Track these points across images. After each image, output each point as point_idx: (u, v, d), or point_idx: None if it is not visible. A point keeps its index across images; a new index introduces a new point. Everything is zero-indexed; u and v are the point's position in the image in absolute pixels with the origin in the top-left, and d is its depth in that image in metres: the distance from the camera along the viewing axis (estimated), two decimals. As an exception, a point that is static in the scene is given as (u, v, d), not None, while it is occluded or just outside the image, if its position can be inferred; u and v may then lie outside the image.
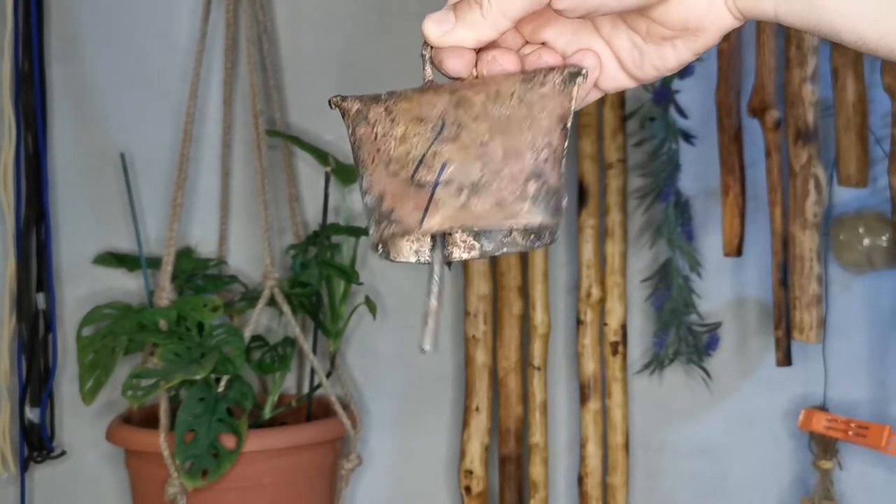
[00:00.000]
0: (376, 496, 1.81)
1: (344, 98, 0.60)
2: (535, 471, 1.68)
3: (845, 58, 1.53)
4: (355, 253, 1.71)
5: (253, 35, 1.74)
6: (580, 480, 1.69)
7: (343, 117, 0.60)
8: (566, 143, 0.57)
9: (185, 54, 1.78)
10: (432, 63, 0.59)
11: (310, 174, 1.80)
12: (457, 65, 0.58)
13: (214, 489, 1.48)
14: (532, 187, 0.55)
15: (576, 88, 0.57)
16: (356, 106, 0.59)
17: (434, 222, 0.55)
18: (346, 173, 1.72)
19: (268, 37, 1.78)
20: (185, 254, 1.73)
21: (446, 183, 0.56)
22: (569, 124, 0.57)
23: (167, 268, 1.59)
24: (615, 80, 0.61)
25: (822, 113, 1.55)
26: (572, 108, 0.57)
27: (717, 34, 0.58)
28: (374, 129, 0.58)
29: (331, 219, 1.72)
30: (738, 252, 1.59)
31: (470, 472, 1.70)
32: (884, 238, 1.56)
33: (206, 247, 1.80)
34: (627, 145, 1.70)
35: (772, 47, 1.57)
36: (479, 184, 0.55)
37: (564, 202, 0.56)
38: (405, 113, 0.58)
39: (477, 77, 0.58)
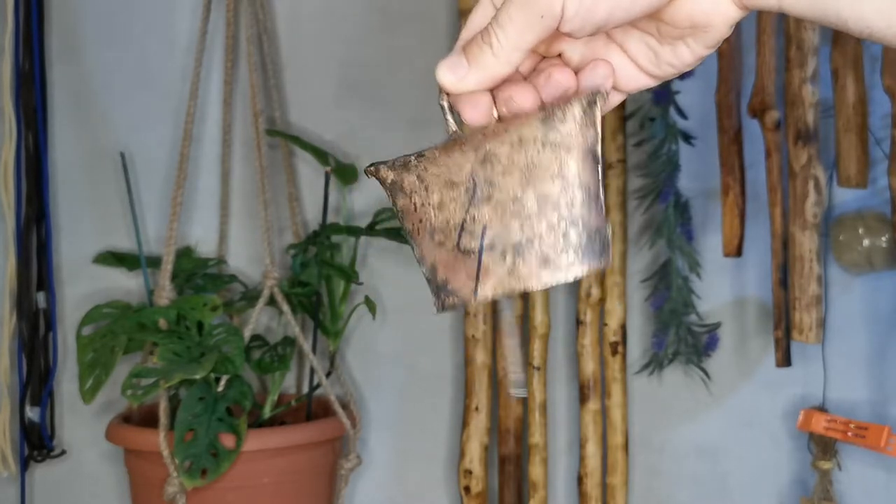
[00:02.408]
0: (376, 496, 1.81)
1: (377, 169, 0.59)
2: (535, 471, 1.68)
3: (845, 58, 1.53)
4: (355, 253, 1.71)
5: (253, 34, 1.74)
6: (580, 480, 1.69)
7: (381, 185, 0.60)
8: (600, 171, 0.56)
9: (185, 53, 1.78)
10: (452, 111, 0.58)
11: (310, 174, 1.80)
12: (475, 115, 0.57)
13: (214, 488, 1.48)
14: (573, 236, 0.55)
15: (598, 112, 0.56)
16: (390, 176, 0.59)
17: (487, 291, 0.56)
18: (346, 173, 1.72)
19: (268, 36, 1.78)
20: (184, 253, 1.73)
21: (490, 248, 0.56)
22: (598, 152, 0.56)
23: (167, 267, 1.59)
24: (636, 80, 0.61)
25: (822, 114, 1.55)
26: (599, 135, 0.56)
27: (726, 27, 0.58)
28: (412, 201, 0.58)
29: (331, 218, 1.72)
30: (738, 252, 1.59)
31: (469, 472, 1.70)
32: (883, 239, 1.56)
33: (205, 246, 1.80)
34: (627, 145, 1.70)
35: (772, 48, 1.57)
36: (521, 244, 0.56)
37: (609, 234, 0.56)
38: (436, 179, 0.57)
39: (499, 119, 0.58)
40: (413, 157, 0.58)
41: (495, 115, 0.58)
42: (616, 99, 0.62)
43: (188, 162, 1.66)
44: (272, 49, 1.80)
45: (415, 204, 0.58)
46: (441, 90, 0.58)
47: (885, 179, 1.54)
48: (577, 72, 0.59)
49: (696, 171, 1.68)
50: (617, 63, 0.60)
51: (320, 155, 1.71)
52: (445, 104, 0.58)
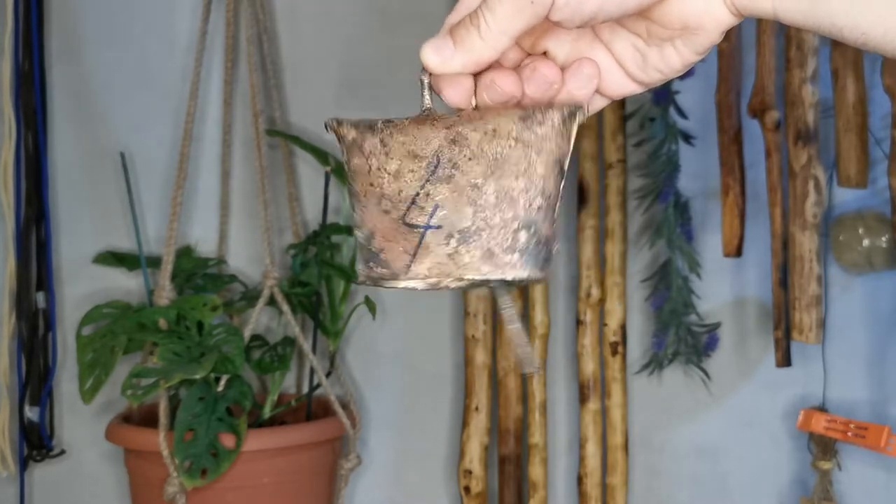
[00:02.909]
0: (376, 496, 1.81)
1: (340, 122, 0.58)
2: (535, 471, 1.68)
3: (845, 59, 1.53)
4: (355, 252, 1.71)
5: (253, 34, 1.74)
6: (579, 480, 1.69)
7: (339, 142, 0.58)
8: (562, 187, 0.56)
9: (185, 53, 1.78)
10: (431, 89, 0.57)
11: (310, 174, 1.80)
12: (455, 95, 0.56)
13: (213, 488, 1.48)
14: (523, 237, 0.55)
15: (575, 127, 0.56)
16: (352, 134, 0.57)
17: (421, 269, 0.55)
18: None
19: (268, 36, 1.78)
20: (184, 253, 1.73)
21: (436, 228, 0.55)
22: (566, 166, 0.56)
23: (167, 267, 1.59)
24: (621, 85, 0.60)
25: (822, 114, 1.55)
26: (570, 149, 0.56)
27: (717, 32, 0.57)
28: (369, 162, 0.56)
29: (331, 218, 1.72)
30: (738, 252, 1.59)
31: (469, 472, 1.70)
32: (883, 239, 1.56)
33: (205, 246, 1.80)
34: (627, 145, 1.70)
35: (772, 48, 1.57)
36: (469, 231, 0.54)
37: (555, 250, 0.56)
38: (400, 146, 0.56)
39: (476, 107, 0.57)
40: (380, 122, 0.57)
41: (474, 103, 0.57)
42: (599, 104, 0.61)
43: (188, 162, 1.66)
44: (272, 49, 1.80)
45: (370, 166, 0.56)
46: (423, 68, 0.57)
47: (885, 179, 1.54)
48: (562, 70, 0.58)
49: (696, 171, 1.68)
50: (603, 65, 0.59)
51: (320, 155, 1.71)
52: (426, 80, 0.57)
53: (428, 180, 0.55)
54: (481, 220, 0.54)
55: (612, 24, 0.58)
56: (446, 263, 0.54)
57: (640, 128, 1.70)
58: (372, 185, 0.56)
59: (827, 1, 0.52)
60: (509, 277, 0.54)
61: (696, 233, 1.67)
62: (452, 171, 0.55)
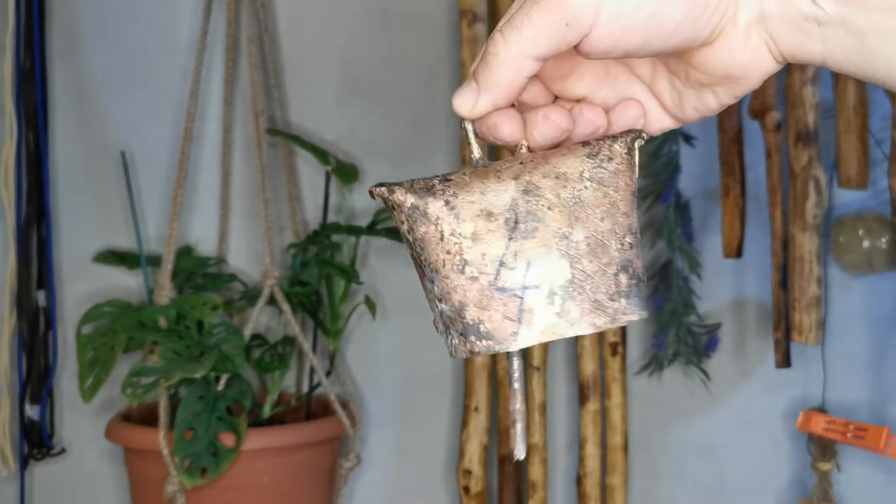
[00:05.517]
0: (375, 495, 1.81)
1: (391, 189, 0.53)
2: (534, 471, 1.69)
3: (846, 60, 1.53)
4: (355, 252, 1.71)
5: (254, 34, 1.74)
6: (579, 481, 1.69)
7: (391, 209, 0.53)
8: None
9: (185, 52, 1.78)
10: (476, 136, 0.54)
11: (310, 173, 1.80)
12: (512, 131, 0.54)
13: (213, 488, 1.48)
14: (624, 280, 0.52)
15: (637, 154, 0.54)
16: (410, 200, 0.52)
17: (532, 336, 0.51)
18: (346, 172, 1.72)
19: (269, 35, 1.78)
20: (185, 252, 1.73)
21: (535, 287, 0.51)
22: (636, 193, 0.54)
23: (167, 266, 1.59)
24: (660, 121, 0.58)
25: (822, 115, 1.55)
26: (637, 176, 0.54)
27: (759, 79, 0.55)
28: (439, 229, 0.52)
29: (331, 218, 1.72)
30: (738, 253, 1.60)
31: (469, 472, 1.70)
32: (883, 240, 1.56)
33: (205, 245, 1.80)
34: (628, 146, 1.70)
35: (772, 49, 1.57)
36: (571, 285, 0.51)
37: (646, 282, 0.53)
38: (469, 206, 0.52)
39: (531, 150, 0.54)
40: (437, 181, 0.52)
41: (524, 144, 0.54)
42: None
43: (188, 161, 1.66)
44: (273, 48, 1.80)
45: (442, 232, 0.52)
46: (461, 118, 0.55)
47: (886, 181, 1.54)
48: (605, 110, 0.56)
49: (697, 171, 1.68)
50: (644, 103, 0.57)
51: (320, 154, 1.71)
52: (469, 127, 0.54)
53: (511, 237, 0.51)
54: (580, 272, 0.51)
55: (652, 61, 0.57)
56: (557, 323, 0.51)
57: (641, 128, 1.70)
58: (449, 252, 0.52)
59: (881, 51, 0.51)
60: (624, 322, 0.52)
61: (696, 233, 1.67)
62: (536, 224, 0.52)
